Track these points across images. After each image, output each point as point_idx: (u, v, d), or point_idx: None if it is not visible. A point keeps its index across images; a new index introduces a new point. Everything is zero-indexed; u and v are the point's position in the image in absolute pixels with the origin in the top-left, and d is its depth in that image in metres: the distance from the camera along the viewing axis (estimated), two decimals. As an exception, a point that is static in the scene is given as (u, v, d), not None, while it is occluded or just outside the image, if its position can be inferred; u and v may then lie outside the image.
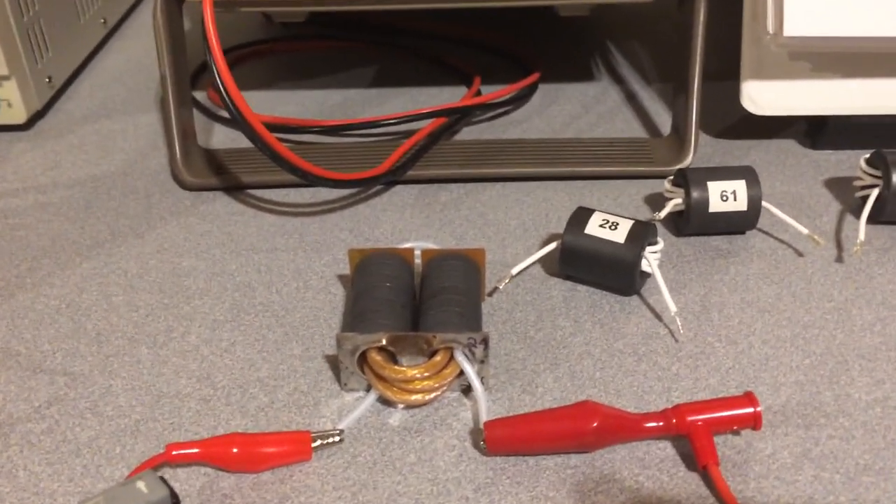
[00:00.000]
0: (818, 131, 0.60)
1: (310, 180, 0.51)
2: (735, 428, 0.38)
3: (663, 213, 0.50)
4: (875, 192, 0.51)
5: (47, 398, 0.41)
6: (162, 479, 0.34)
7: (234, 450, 0.36)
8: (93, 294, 0.48)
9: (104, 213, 0.55)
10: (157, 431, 0.39)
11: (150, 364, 0.43)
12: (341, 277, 0.49)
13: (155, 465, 0.36)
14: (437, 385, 0.39)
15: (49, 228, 0.53)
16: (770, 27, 0.55)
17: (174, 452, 0.36)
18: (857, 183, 0.53)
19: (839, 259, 0.50)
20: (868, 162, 0.52)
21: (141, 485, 0.33)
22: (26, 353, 0.44)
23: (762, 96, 0.58)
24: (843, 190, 0.56)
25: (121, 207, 0.55)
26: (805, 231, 0.50)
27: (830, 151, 0.60)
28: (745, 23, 0.56)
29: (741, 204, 0.50)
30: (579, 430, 0.37)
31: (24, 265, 0.50)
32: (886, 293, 0.47)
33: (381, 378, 0.40)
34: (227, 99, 0.48)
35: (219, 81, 0.48)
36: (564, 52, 0.76)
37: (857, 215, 0.53)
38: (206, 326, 0.45)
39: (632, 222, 0.46)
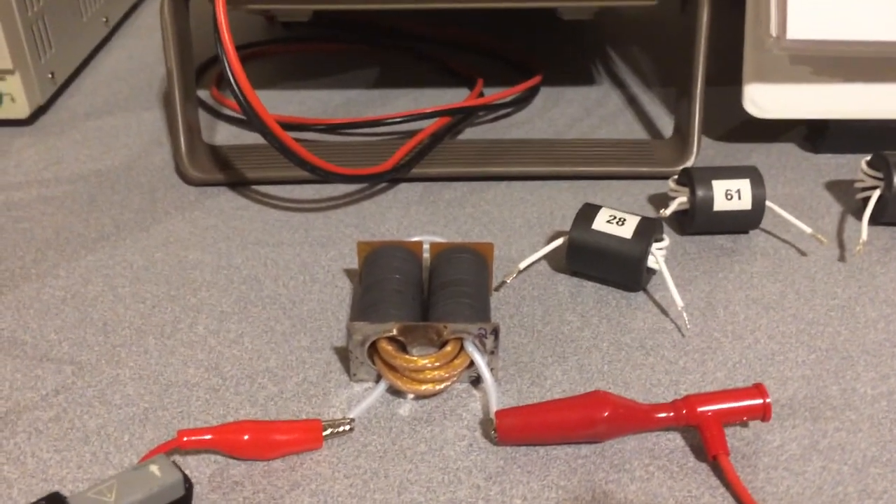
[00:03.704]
0: (819, 135, 0.61)
1: (319, 175, 0.51)
2: (745, 419, 0.38)
3: (669, 211, 0.51)
4: (877, 194, 0.52)
5: (54, 387, 0.41)
6: (175, 463, 0.33)
7: (246, 437, 0.36)
8: (98, 285, 0.47)
9: (108, 206, 0.55)
10: (165, 420, 0.39)
11: (158, 354, 0.43)
12: (348, 271, 0.49)
13: (166, 450, 0.36)
14: (447, 375, 0.39)
15: (53, 221, 0.53)
16: (773, 31, 0.55)
17: (185, 439, 0.36)
18: (859, 184, 0.54)
19: (842, 258, 0.50)
20: (869, 164, 0.53)
21: (154, 468, 0.33)
22: (32, 342, 0.43)
23: (764, 100, 0.58)
24: (844, 192, 0.57)
25: (125, 202, 0.55)
26: (808, 230, 0.50)
27: (831, 155, 0.61)
28: (747, 26, 0.57)
29: (745, 203, 0.50)
30: (590, 419, 0.37)
31: (28, 257, 0.50)
32: (889, 291, 0.47)
33: (391, 368, 0.40)
34: (238, 93, 0.48)
35: (231, 77, 0.48)
36: (566, 56, 0.77)
37: (859, 216, 0.53)
38: (214, 318, 0.45)
39: (639, 218, 0.47)
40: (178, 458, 0.37)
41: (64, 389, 0.41)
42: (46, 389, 0.41)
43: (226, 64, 0.48)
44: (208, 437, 0.36)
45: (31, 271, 0.49)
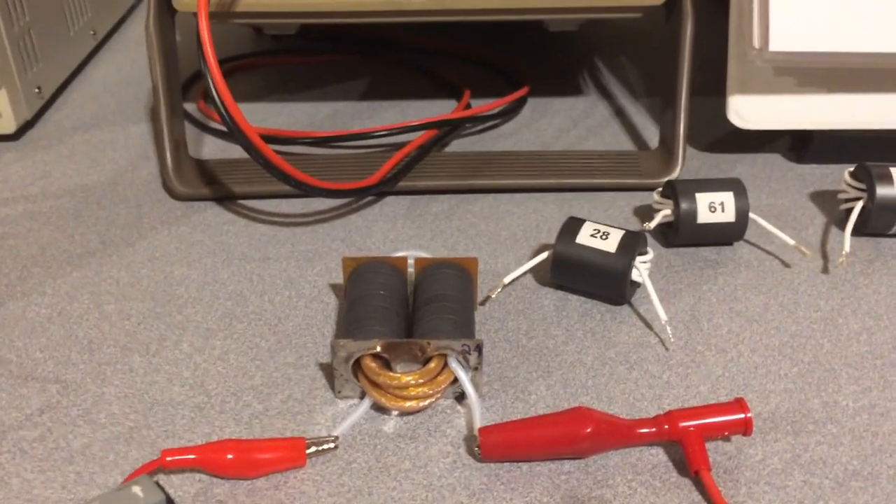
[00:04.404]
0: (803, 145, 0.61)
1: (304, 190, 0.51)
2: (726, 434, 0.38)
3: (653, 224, 0.51)
4: (859, 205, 0.52)
5: (39, 406, 0.41)
6: (158, 484, 0.33)
7: (229, 456, 0.36)
8: (84, 302, 0.48)
9: (94, 222, 0.55)
10: (150, 439, 0.39)
11: (143, 372, 0.43)
12: (334, 287, 0.49)
13: (150, 470, 0.36)
14: (431, 392, 0.39)
15: (39, 237, 0.53)
16: (756, 42, 0.56)
17: (169, 458, 0.36)
18: (842, 196, 0.54)
19: (825, 270, 0.51)
20: (852, 175, 0.53)
21: (137, 489, 0.33)
22: (17, 361, 0.44)
23: (748, 111, 0.59)
24: (828, 203, 0.57)
25: (111, 217, 0.55)
26: (792, 242, 0.50)
27: (815, 165, 0.61)
28: (731, 38, 0.57)
29: (729, 215, 0.50)
30: (573, 435, 0.37)
31: (13, 274, 0.50)
32: (872, 303, 0.48)
33: (375, 385, 0.40)
34: (222, 109, 0.48)
35: (214, 92, 0.48)
36: (553, 67, 0.77)
37: (842, 227, 0.54)
38: (199, 335, 0.45)
39: (622, 232, 0.47)
40: (162, 478, 0.37)
41: (49, 408, 0.41)
42: (31, 409, 0.41)
43: (209, 79, 0.48)
44: (192, 456, 0.36)
45: (17, 289, 0.49)
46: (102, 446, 0.39)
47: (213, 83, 0.48)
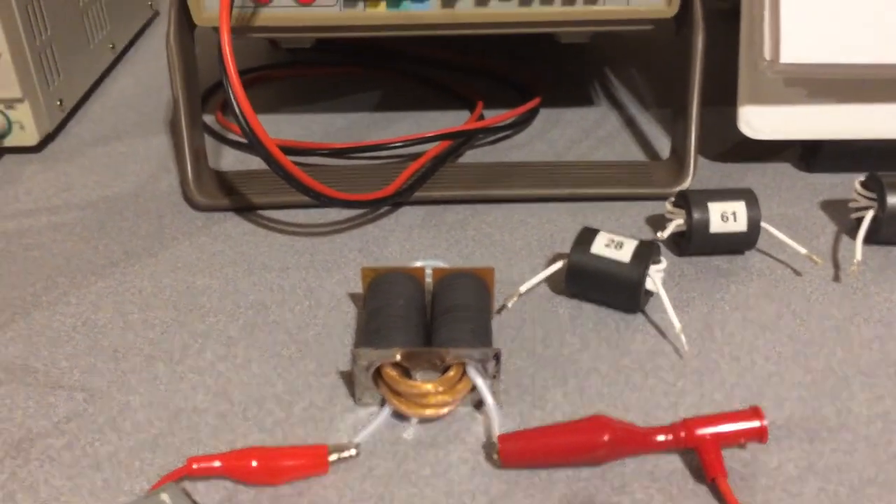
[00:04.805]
0: (813, 155, 0.62)
1: (322, 200, 0.52)
2: (742, 441, 0.39)
3: (666, 234, 0.52)
4: (870, 214, 0.53)
5: (66, 414, 0.42)
6: (185, 491, 0.34)
7: (254, 463, 0.37)
8: (108, 312, 0.48)
9: (117, 233, 0.56)
10: (175, 446, 0.40)
11: (167, 380, 0.44)
12: (352, 296, 0.50)
13: (177, 478, 0.37)
14: (450, 399, 0.40)
15: (63, 248, 0.54)
16: (766, 54, 0.56)
17: (195, 466, 0.37)
18: (853, 205, 0.55)
19: (836, 278, 0.51)
20: (863, 184, 0.54)
21: (165, 497, 0.34)
22: (44, 370, 0.44)
23: (758, 121, 0.59)
24: (839, 212, 0.57)
25: (133, 228, 0.56)
26: (803, 251, 0.51)
27: (825, 175, 0.62)
28: (741, 49, 0.58)
29: (741, 224, 0.51)
30: (591, 443, 0.38)
31: (39, 284, 0.51)
32: (884, 311, 0.48)
33: (395, 393, 0.41)
34: (243, 122, 0.49)
35: (235, 105, 0.49)
36: (564, 78, 0.78)
37: (853, 236, 0.54)
38: (222, 343, 0.46)
39: (636, 242, 0.48)
40: (188, 485, 0.38)
41: (76, 416, 0.42)
42: (58, 417, 0.42)
43: (231, 93, 0.49)
44: (217, 463, 0.37)
45: (42, 299, 0.50)
46: (129, 453, 0.40)
47: (235, 97, 0.49)
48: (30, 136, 0.63)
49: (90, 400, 0.43)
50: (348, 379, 0.44)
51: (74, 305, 0.49)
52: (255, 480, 0.38)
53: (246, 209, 0.58)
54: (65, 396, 0.43)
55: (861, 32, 0.55)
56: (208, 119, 0.70)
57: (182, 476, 0.37)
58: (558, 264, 0.50)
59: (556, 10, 0.55)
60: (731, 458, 0.39)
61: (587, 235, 0.49)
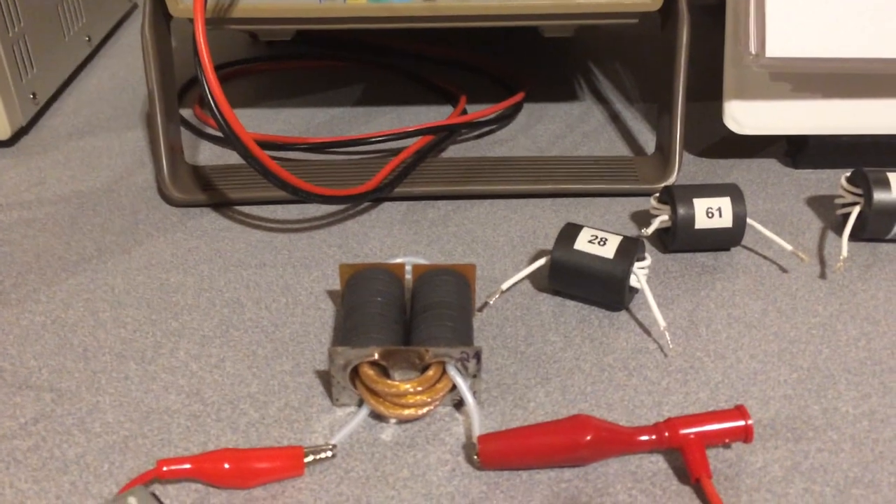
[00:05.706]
0: (799, 150, 0.61)
1: (300, 196, 0.51)
2: (727, 441, 0.38)
3: (650, 230, 0.51)
4: (856, 210, 0.52)
5: (34, 415, 0.40)
6: (153, 495, 0.33)
7: (226, 465, 0.36)
8: (79, 310, 0.47)
9: (90, 228, 0.54)
10: (146, 448, 0.39)
11: (139, 380, 0.43)
12: (330, 293, 0.49)
13: (146, 481, 0.36)
14: (429, 399, 0.39)
15: (34, 244, 0.53)
16: (752, 48, 0.56)
17: (165, 468, 0.36)
18: (839, 201, 0.54)
19: (822, 275, 0.50)
20: (849, 180, 0.53)
21: (132, 500, 0.33)
22: (11, 369, 0.43)
23: (744, 116, 0.59)
24: (825, 208, 0.57)
25: (107, 223, 0.55)
26: (789, 248, 0.50)
27: (811, 170, 0.61)
28: (727, 43, 0.57)
29: (726, 221, 0.50)
30: (573, 443, 0.37)
31: (8, 281, 0.49)
32: (870, 308, 0.48)
33: (373, 393, 0.40)
34: (217, 114, 0.48)
35: (210, 98, 0.48)
36: (549, 73, 0.77)
37: (839, 232, 0.54)
38: (195, 342, 0.45)
39: (620, 238, 0.47)
40: (157, 488, 0.37)
41: (43, 417, 0.40)
42: (25, 418, 0.40)
43: (205, 85, 0.48)
44: (188, 466, 0.36)
45: (11, 296, 0.48)
46: (97, 456, 0.38)
47: (210, 90, 0.47)
48: (2, 130, 0.62)
49: (58, 400, 0.41)
50: (326, 379, 0.43)
51: (44, 303, 0.48)
52: (228, 483, 0.36)
53: (223, 205, 0.57)
54: (32, 397, 0.41)
55: (846, 26, 0.54)
56: (186, 113, 0.68)
57: (151, 479, 0.36)
58: (541, 261, 0.49)
59: (540, 3, 0.54)
60: (716, 458, 0.38)
61: (571, 231, 0.48)
